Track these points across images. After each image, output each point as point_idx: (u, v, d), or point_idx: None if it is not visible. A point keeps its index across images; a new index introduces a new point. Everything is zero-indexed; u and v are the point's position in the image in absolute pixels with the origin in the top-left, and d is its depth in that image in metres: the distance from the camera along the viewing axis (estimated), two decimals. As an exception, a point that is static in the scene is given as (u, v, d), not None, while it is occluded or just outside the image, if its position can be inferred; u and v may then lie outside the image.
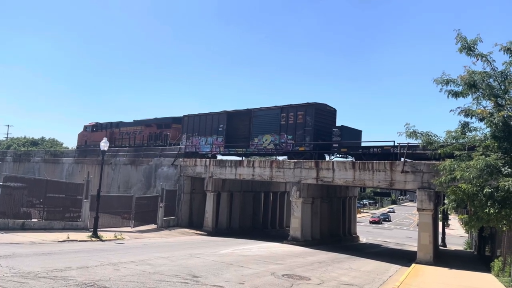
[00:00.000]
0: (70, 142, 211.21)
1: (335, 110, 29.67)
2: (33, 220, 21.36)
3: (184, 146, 34.13)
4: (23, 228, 20.15)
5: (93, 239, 19.93)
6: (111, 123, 44.11)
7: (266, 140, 29.51)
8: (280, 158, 30.48)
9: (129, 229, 25.44)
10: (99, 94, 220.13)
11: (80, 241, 18.96)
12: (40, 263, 12.13)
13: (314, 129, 27.01)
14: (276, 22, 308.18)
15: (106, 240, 20.23)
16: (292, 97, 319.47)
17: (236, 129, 32.07)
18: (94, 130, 45.26)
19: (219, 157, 33.73)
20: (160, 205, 28.57)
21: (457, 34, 12.69)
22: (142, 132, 39.93)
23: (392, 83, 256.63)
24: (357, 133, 28.50)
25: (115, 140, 41.74)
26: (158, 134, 38.27)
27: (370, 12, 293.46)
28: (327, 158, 27.53)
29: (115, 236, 21.34)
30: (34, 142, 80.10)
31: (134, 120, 42.17)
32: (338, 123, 29.00)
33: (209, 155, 33.55)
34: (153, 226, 27.98)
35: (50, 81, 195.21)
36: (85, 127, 46.64)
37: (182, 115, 35.91)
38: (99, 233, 20.78)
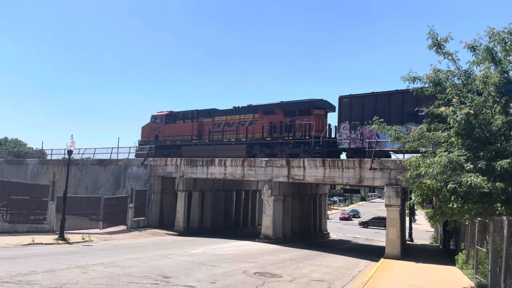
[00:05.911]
0: (35, 142, 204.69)
1: None
2: (-5, 223, 20.64)
3: (348, 140, 24.79)
4: (-15, 232, 19.43)
5: (60, 241, 19.42)
6: (197, 111, 33.75)
7: None
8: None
9: (97, 230, 24.94)
10: (65, 93, 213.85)
11: (46, 244, 18.41)
12: (3, 268, 11.71)
13: None
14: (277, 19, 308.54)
15: (73, 242, 19.73)
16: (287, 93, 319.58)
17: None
18: (169, 121, 35.25)
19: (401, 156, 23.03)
20: (130, 205, 28.09)
21: (429, 30, 12.99)
22: (255, 122, 30.11)
23: (383, 78, 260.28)
24: None
25: (209, 133, 32.23)
26: (288, 124, 28.17)
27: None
28: None
29: (83, 238, 20.85)
30: (-4, 143, 77.17)
31: (235, 107, 32.15)
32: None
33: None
34: (122, 227, 27.50)
35: (13, 79, 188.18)
36: (154, 117, 36.22)
37: (320, 98, 28.09)
38: (66, 236, 20.26)
